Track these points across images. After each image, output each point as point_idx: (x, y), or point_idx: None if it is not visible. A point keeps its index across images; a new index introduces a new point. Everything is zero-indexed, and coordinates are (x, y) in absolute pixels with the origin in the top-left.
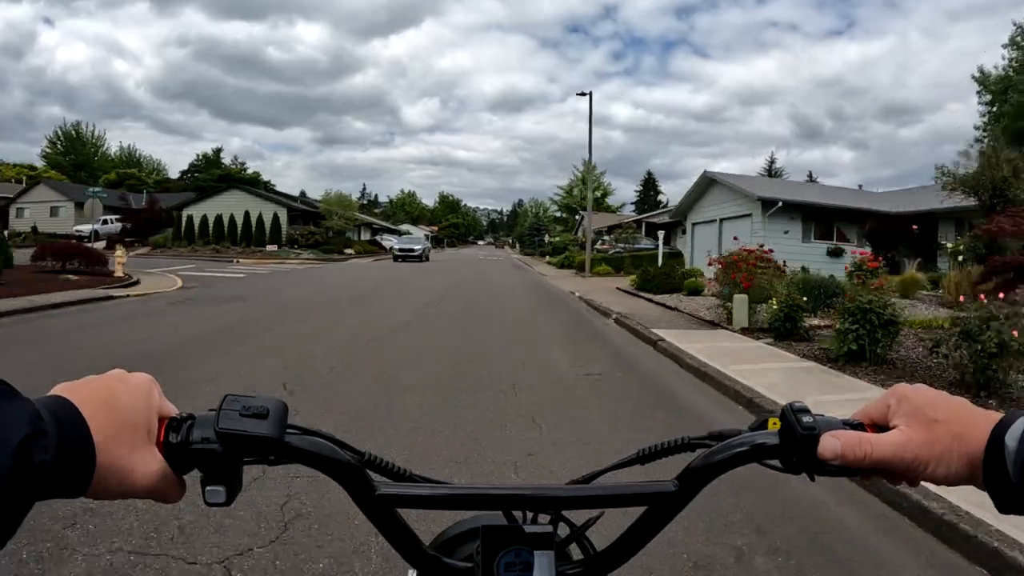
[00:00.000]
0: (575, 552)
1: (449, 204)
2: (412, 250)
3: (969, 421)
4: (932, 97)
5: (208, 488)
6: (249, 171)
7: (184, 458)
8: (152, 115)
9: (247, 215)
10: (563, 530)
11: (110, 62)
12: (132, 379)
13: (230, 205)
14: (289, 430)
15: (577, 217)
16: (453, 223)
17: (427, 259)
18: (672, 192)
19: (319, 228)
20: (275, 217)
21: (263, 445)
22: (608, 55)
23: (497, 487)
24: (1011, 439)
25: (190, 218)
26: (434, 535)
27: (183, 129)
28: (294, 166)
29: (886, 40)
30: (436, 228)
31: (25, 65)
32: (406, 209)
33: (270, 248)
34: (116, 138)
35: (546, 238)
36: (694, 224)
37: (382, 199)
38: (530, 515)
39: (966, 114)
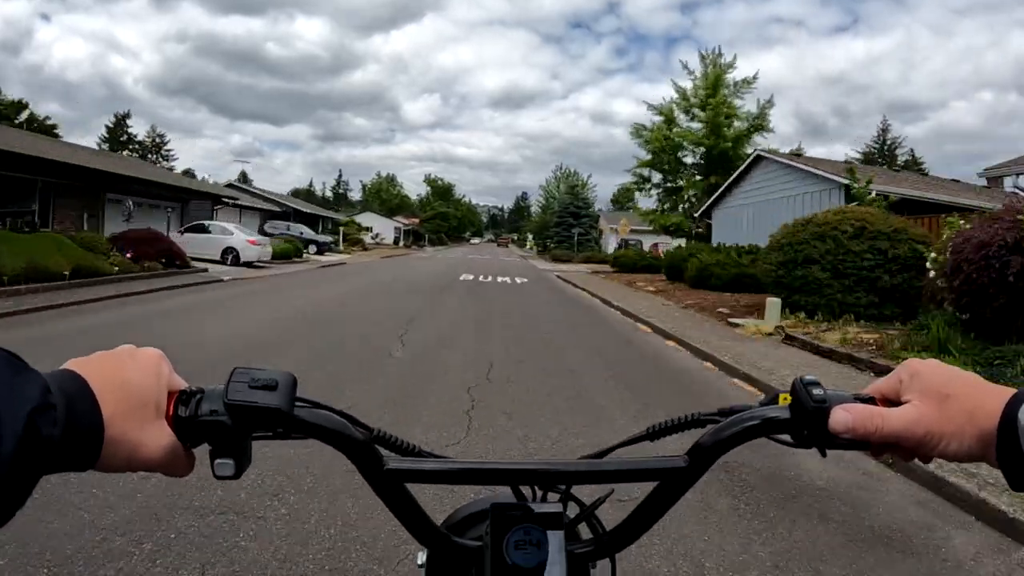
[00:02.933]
0: (584, 531)
1: (439, 190)
2: None
3: (982, 397)
4: (937, 96)
5: (217, 461)
6: None
7: (193, 431)
8: (151, 112)
9: None
10: (573, 509)
11: (108, 58)
12: (141, 354)
13: None
14: (298, 403)
15: (701, 174)
16: (441, 213)
17: None
18: None
19: None
20: None
21: (272, 417)
22: (611, 51)
23: (505, 463)
24: None
25: None
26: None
27: (182, 126)
28: (294, 163)
29: (891, 37)
30: (417, 220)
31: (23, 62)
32: (382, 196)
33: None
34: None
35: (605, 231)
36: None
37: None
38: (540, 493)
39: (969, 112)
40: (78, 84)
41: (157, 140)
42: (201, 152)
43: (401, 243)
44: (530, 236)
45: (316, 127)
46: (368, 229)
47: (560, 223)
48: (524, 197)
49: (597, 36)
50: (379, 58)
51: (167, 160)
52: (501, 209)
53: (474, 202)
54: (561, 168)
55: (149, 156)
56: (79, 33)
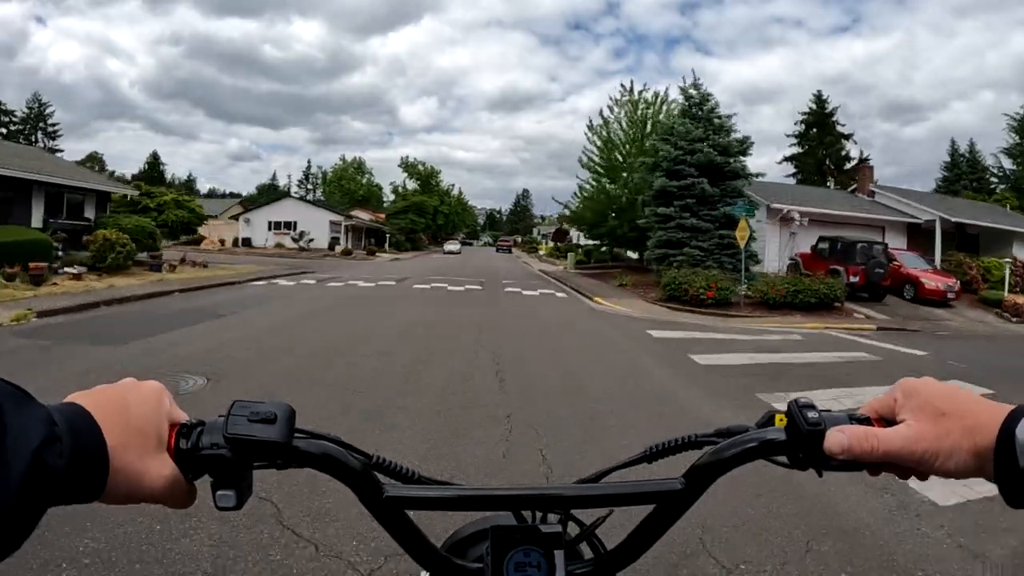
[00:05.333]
0: (585, 551)
1: (421, 177)
2: None
3: (978, 414)
4: (938, 95)
5: (219, 493)
6: None
7: (195, 464)
8: (147, 115)
9: None
10: (573, 529)
11: (103, 61)
12: (143, 387)
13: None
14: (297, 434)
15: None
16: (415, 204)
17: None
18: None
19: None
20: None
21: (271, 450)
22: (610, 52)
23: (505, 488)
24: (1022, 432)
25: None
26: (444, 535)
27: (179, 130)
28: (292, 167)
29: (892, 37)
30: (383, 216)
31: (18, 64)
32: (344, 186)
33: None
34: (112, 138)
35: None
36: None
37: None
38: (539, 515)
39: (970, 112)
40: (73, 87)
41: (38, 111)
42: (200, 156)
43: (340, 247)
44: (541, 237)
45: (313, 131)
46: (288, 225)
47: (680, 192)
48: (525, 195)
49: (596, 37)
50: (377, 60)
51: (53, 139)
52: (499, 211)
53: (471, 203)
54: (630, 89)
55: (25, 132)
56: (74, 36)
